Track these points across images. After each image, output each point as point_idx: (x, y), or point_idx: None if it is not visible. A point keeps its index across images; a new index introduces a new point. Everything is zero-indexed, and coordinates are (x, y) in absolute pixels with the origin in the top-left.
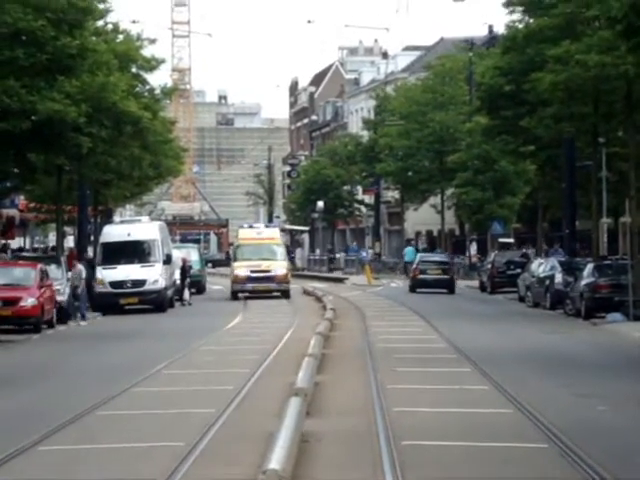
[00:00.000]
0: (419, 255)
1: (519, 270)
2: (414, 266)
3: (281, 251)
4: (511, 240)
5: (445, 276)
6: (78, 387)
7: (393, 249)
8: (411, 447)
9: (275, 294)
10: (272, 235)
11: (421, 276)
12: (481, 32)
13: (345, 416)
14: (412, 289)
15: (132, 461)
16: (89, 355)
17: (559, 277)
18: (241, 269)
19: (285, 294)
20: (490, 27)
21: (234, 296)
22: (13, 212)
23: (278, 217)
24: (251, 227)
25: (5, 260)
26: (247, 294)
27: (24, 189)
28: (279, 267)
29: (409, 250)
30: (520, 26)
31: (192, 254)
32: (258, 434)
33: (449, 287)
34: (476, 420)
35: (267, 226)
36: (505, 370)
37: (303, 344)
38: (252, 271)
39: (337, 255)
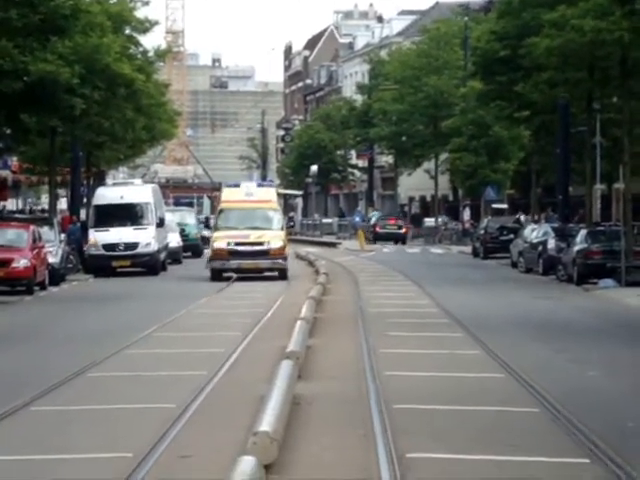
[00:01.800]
0: (379, 214)
1: (512, 236)
2: (375, 222)
3: (278, 218)
4: (504, 206)
5: (399, 231)
6: (70, 349)
7: (386, 214)
8: (402, 410)
9: (268, 274)
10: (266, 197)
11: (381, 231)
12: None
13: (336, 379)
14: (374, 241)
15: (123, 422)
16: (81, 317)
17: (552, 243)
18: (222, 241)
19: (282, 273)
20: None
21: (214, 276)
22: (6, 173)
23: (272, 181)
24: (238, 186)
25: None
26: (231, 273)
27: (17, 150)
28: (274, 238)
29: (374, 214)
30: None
31: (188, 217)
32: (249, 397)
33: (402, 239)
34: (467, 384)
35: (260, 185)
36: (497, 335)
37: (295, 308)
38: (237, 243)
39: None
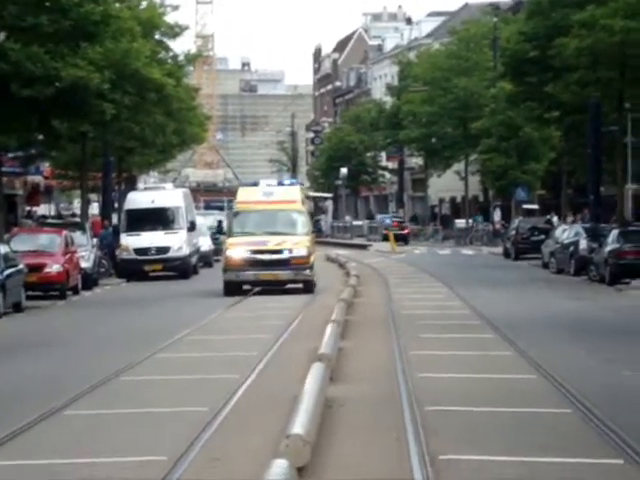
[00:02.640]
0: (383, 216)
1: (543, 236)
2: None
3: (303, 221)
4: (535, 206)
5: (402, 232)
6: (102, 353)
7: (418, 216)
8: (435, 412)
9: (291, 286)
10: (288, 196)
11: (384, 232)
12: None
13: (368, 382)
14: (383, 239)
15: (157, 425)
16: (114, 321)
17: (583, 243)
18: (236, 248)
19: (307, 286)
20: None
21: (229, 289)
22: (38, 179)
23: (302, 184)
24: (255, 185)
25: (30, 226)
26: (248, 286)
27: (49, 156)
28: (297, 245)
29: (390, 216)
30: None
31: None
32: (282, 399)
33: (404, 239)
34: (500, 386)
35: (281, 183)
36: (529, 336)
37: (327, 311)
38: (253, 251)
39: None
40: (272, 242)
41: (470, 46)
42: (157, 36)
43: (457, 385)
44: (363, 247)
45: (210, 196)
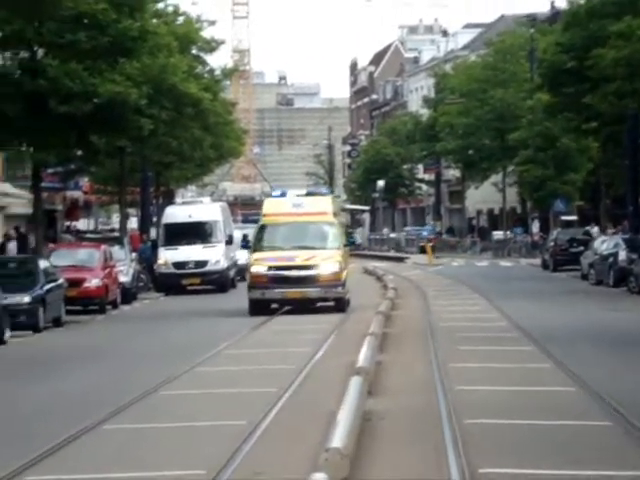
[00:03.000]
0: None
1: (582, 248)
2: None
3: (334, 233)
4: (574, 217)
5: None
6: (142, 367)
7: (455, 228)
8: (474, 425)
9: (321, 304)
10: (320, 208)
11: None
12: (543, 8)
13: (407, 395)
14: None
15: (196, 439)
16: (153, 335)
17: (623, 254)
18: (261, 264)
19: (339, 304)
20: (552, 3)
21: (254, 308)
22: (77, 194)
23: (338, 197)
24: (283, 195)
25: (69, 241)
26: (275, 304)
27: (88, 171)
28: (327, 260)
29: (428, 228)
30: (582, 1)
31: None
32: (320, 413)
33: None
34: (539, 398)
35: (311, 193)
36: (568, 348)
37: (364, 324)
38: (280, 267)
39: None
40: (300, 257)
41: (507, 57)
42: (194, 51)
43: (496, 398)
44: (400, 259)
45: (247, 209)
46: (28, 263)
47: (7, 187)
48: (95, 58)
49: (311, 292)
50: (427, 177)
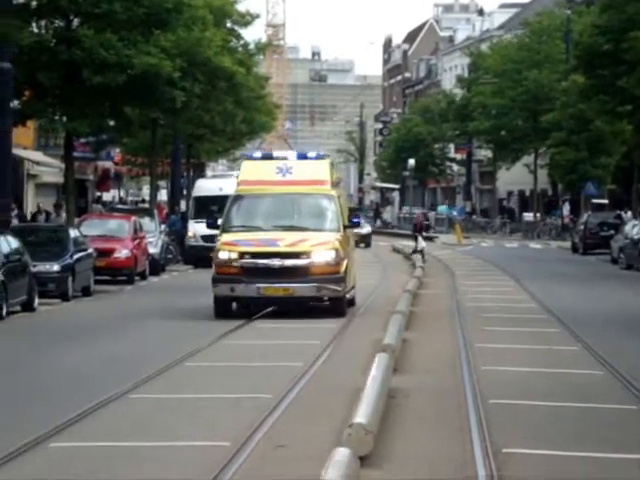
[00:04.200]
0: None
1: (612, 232)
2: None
3: (333, 210)
4: (605, 201)
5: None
6: (168, 338)
7: (486, 208)
8: (498, 405)
9: (314, 304)
10: (315, 175)
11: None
12: None
13: (432, 373)
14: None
15: (221, 411)
16: (180, 307)
17: None
18: (231, 249)
19: (335, 306)
20: None
21: (220, 309)
22: (108, 164)
23: (369, 175)
24: (268, 158)
25: (100, 212)
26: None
27: (119, 142)
28: (323, 246)
29: (442, 208)
30: None
31: None
32: (345, 388)
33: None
34: (565, 380)
35: (304, 156)
36: (596, 331)
37: (391, 301)
38: (256, 254)
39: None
40: (286, 241)
41: (542, 38)
42: (228, 24)
43: (522, 379)
44: (429, 239)
45: None
46: (58, 232)
47: (39, 156)
48: (130, 29)
49: (299, 289)
50: (458, 157)
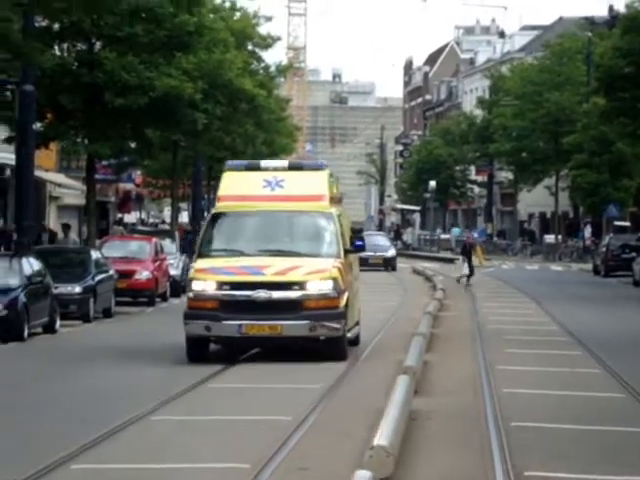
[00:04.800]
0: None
1: (634, 254)
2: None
3: (332, 231)
4: (627, 223)
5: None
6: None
7: (506, 231)
8: (520, 428)
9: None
10: (310, 190)
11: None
12: (601, 11)
13: (454, 396)
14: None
15: (241, 433)
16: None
17: None
18: (206, 278)
19: (334, 347)
20: (610, 6)
21: (194, 352)
22: (130, 186)
23: (389, 196)
24: (253, 168)
25: (121, 233)
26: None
27: (141, 164)
28: (318, 275)
29: (456, 230)
30: None
31: None
32: (366, 410)
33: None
34: (587, 404)
35: (297, 166)
36: (618, 354)
37: (412, 323)
38: (235, 285)
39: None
40: (273, 268)
41: (563, 60)
42: (249, 47)
43: (544, 401)
44: (450, 260)
45: None
46: (80, 253)
47: (61, 178)
48: (152, 52)
49: (289, 327)
50: (479, 179)
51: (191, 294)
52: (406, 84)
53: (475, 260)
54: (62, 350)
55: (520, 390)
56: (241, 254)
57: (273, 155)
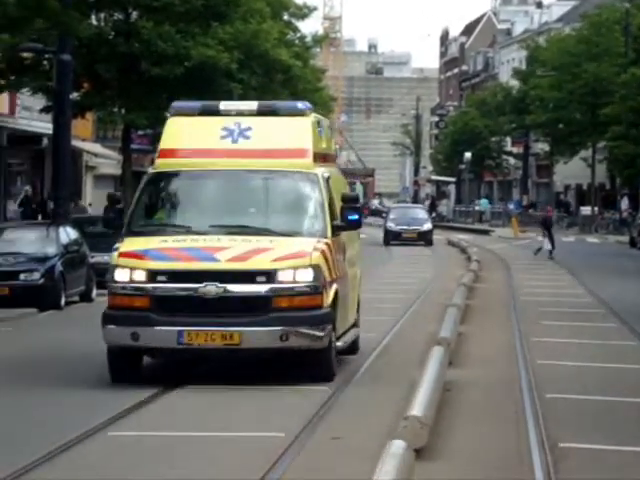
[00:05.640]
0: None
1: None
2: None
3: (317, 201)
4: None
5: None
6: None
7: (542, 202)
8: (554, 400)
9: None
10: (285, 143)
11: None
12: None
13: (488, 367)
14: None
15: (277, 402)
16: None
17: None
18: (133, 264)
19: (317, 364)
20: None
21: (119, 367)
22: None
23: (424, 168)
24: (209, 112)
25: None
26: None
27: None
28: (293, 260)
29: (483, 201)
30: None
31: None
32: (400, 381)
33: None
34: (622, 376)
35: (268, 110)
36: None
37: (446, 294)
38: (175, 275)
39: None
40: (230, 251)
41: (601, 31)
42: (285, 17)
43: (578, 373)
44: (485, 232)
45: None
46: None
47: (97, 147)
48: (188, 22)
49: (251, 335)
50: (515, 150)
51: (113, 288)
52: (442, 55)
53: (510, 232)
54: (98, 318)
55: (555, 362)
56: (187, 231)
57: None
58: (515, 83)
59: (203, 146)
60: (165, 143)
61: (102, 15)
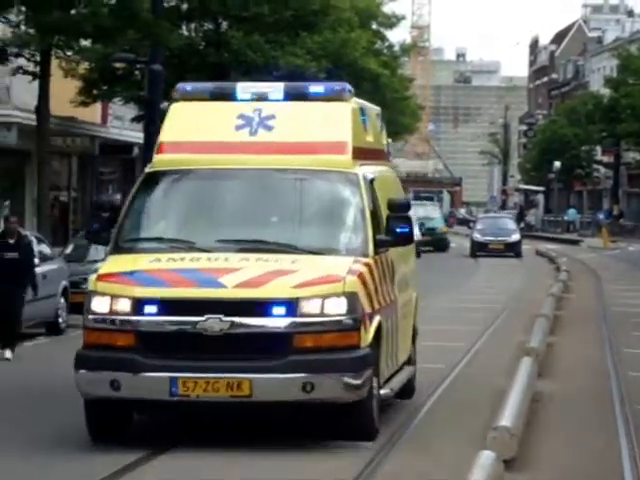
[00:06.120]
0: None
1: None
2: None
3: (357, 208)
4: None
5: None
6: None
7: (633, 212)
8: None
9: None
10: (319, 135)
11: None
12: None
13: (578, 378)
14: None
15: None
16: None
17: None
18: (117, 291)
19: (352, 416)
20: None
21: (95, 424)
22: None
23: (512, 177)
24: (224, 96)
25: None
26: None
27: None
28: (320, 286)
29: (571, 211)
30: None
31: (432, 211)
32: (488, 391)
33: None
34: None
35: (297, 94)
36: None
37: (535, 305)
38: (167, 305)
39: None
40: (240, 275)
41: None
42: (374, 26)
43: None
44: (574, 242)
45: (419, 186)
46: None
47: None
48: (277, 31)
49: (265, 385)
50: (605, 159)
51: (88, 321)
52: (531, 63)
53: (599, 242)
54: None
55: None
56: (188, 247)
57: (396, 134)
58: (606, 91)
59: (213, 139)
60: (166, 135)
61: (193, 25)
